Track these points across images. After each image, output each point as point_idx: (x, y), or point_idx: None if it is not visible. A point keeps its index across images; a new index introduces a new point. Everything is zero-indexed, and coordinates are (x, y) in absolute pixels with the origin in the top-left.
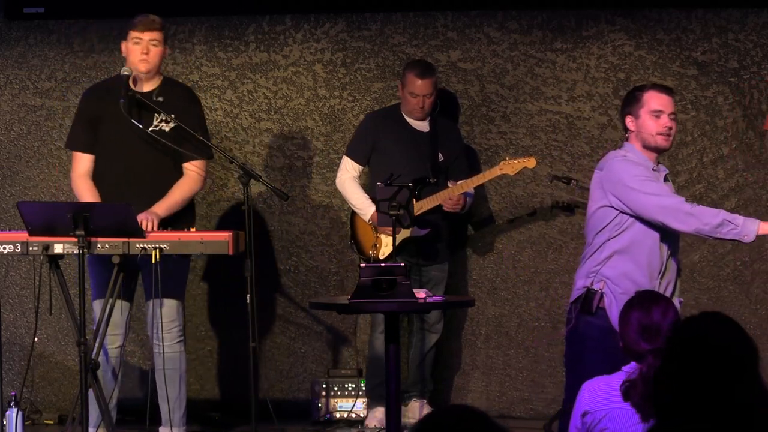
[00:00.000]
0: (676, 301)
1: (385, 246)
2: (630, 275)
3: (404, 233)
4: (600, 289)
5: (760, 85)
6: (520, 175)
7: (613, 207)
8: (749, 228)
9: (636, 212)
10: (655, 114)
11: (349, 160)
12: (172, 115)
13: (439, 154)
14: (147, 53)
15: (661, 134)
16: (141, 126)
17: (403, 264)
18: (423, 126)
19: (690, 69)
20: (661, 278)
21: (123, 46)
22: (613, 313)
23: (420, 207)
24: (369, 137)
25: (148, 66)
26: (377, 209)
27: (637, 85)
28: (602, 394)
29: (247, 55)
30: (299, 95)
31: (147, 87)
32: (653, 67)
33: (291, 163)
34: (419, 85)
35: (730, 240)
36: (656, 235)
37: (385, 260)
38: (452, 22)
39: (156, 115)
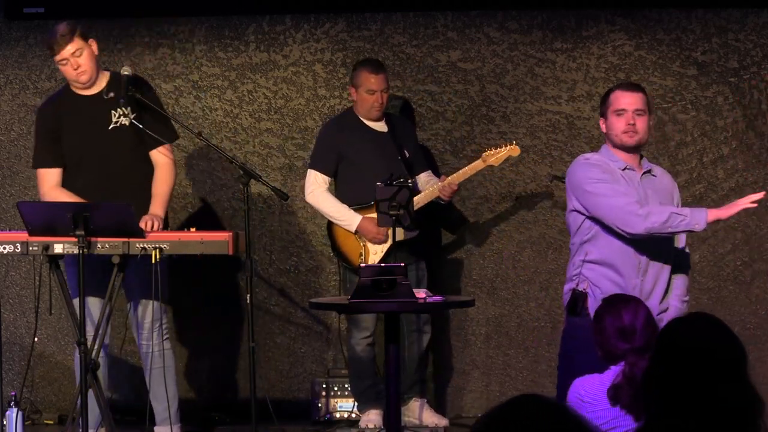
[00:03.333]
0: (675, 300)
1: (374, 254)
2: (607, 275)
3: (397, 236)
4: (584, 290)
5: (761, 85)
6: (521, 175)
7: (578, 211)
8: (698, 217)
9: (593, 215)
10: (618, 113)
11: (317, 173)
12: (128, 108)
13: (405, 151)
14: (77, 67)
15: (625, 132)
16: (140, 125)
17: (403, 264)
18: (381, 126)
19: (690, 69)
20: (644, 276)
21: (54, 60)
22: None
23: (417, 202)
24: (333, 147)
25: (87, 75)
26: (377, 209)
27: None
28: (601, 393)
29: (247, 55)
30: (299, 95)
31: (95, 89)
32: (653, 67)
33: (291, 163)
34: (375, 81)
35: (683, 231)
36: (622, 237)
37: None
38: (452, 22)
39: (113, 111)
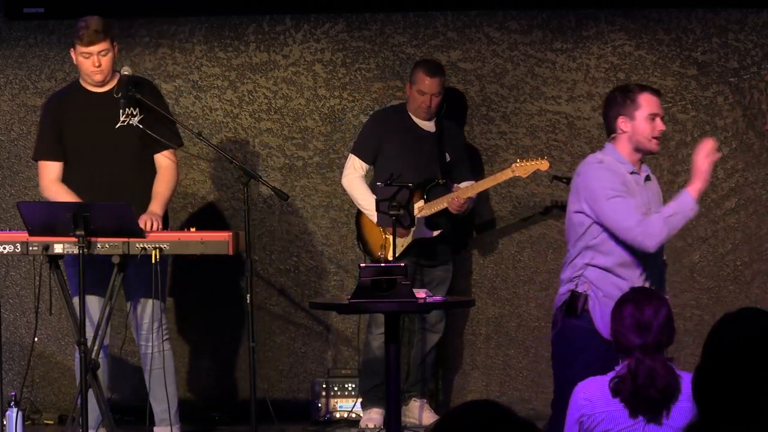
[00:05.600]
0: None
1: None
2: (610, 279)
3: (416, 234)
4: (584, 291)
5: (760, 85)
6: None
7: (586, 214)
8: (687, 203)
9: (604, 225)
10: (651, 117)
11: (356, 158)
12: (136, 110)
13: (446, 154)
14: (99, 65)
15: (656, 138)
16: (143, 126)
17: (403, 264)
18: (429, 126)
19: (690, 69)
20: (645, 281)
21: (72, 54)
22: (597, 315)
23: (429, 209)
24: (375, 136)
25: (102, 75)
26: (377, 209)
27: (624, 86)
28: (599, 395)
29: (247, 55)
30: (299, 95)
31: (106, 87)
32: (653, 67)
33: (291, 163)
34: (428, 84)
35: (685, 223)
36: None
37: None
38: (452, 22)
39: (121, 111)
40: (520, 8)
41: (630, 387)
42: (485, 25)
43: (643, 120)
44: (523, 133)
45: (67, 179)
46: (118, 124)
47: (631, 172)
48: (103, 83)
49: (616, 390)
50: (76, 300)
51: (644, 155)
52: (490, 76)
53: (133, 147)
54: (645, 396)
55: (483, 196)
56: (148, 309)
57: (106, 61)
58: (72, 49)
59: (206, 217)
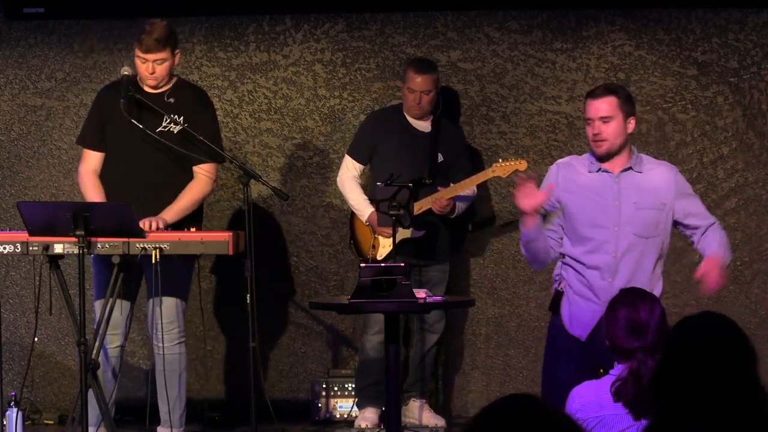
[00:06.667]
0: (713, 249)
1: (383, 247)
2: (579, 277)
3: (402, 234)
4: (562, 289)
5: (760, 85)
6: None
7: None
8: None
9: None
10: (587, 122)
11: (351, 159)
12: (181, 118)
13: (439, 155)
14: (153, 72)
15: (593, 141)
16: (141, 126)
17: (402, 264)
18: (425, 126)
19: (690, 69)
20: (613, 278)
21: (135, 49)
22: (565, 312)
23: (415, 209)
24: (370, 137)
25: (155, 82)
26: (377, 209)
27: None
28: (593, 400)
29: (247, 55)
30: (299, 95)
31: (158, 90)
32: (653, 67)
33: (291, 163)
34: (417, 81)
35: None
36: (586, 239)
37: (383, 261)
38: (452, 22)
39: (165, 116)
40: (520, 8)
41: (632, 389)
42: (485, 25)
43: (586, 125)
44: (523, 133)
45: (103, 174)
46: (159, 129)
47: (598, 170)
48: (156, 87)
49: (617, 394)
50: (99, 302)
51: (609, 159)
52: (490, 76)
53: (168, 154)
54: (649, 397)
55: (483, 196)
56: (156, 308)
57: (161, 69)
58: (135, 45)
59: (206, 217)
